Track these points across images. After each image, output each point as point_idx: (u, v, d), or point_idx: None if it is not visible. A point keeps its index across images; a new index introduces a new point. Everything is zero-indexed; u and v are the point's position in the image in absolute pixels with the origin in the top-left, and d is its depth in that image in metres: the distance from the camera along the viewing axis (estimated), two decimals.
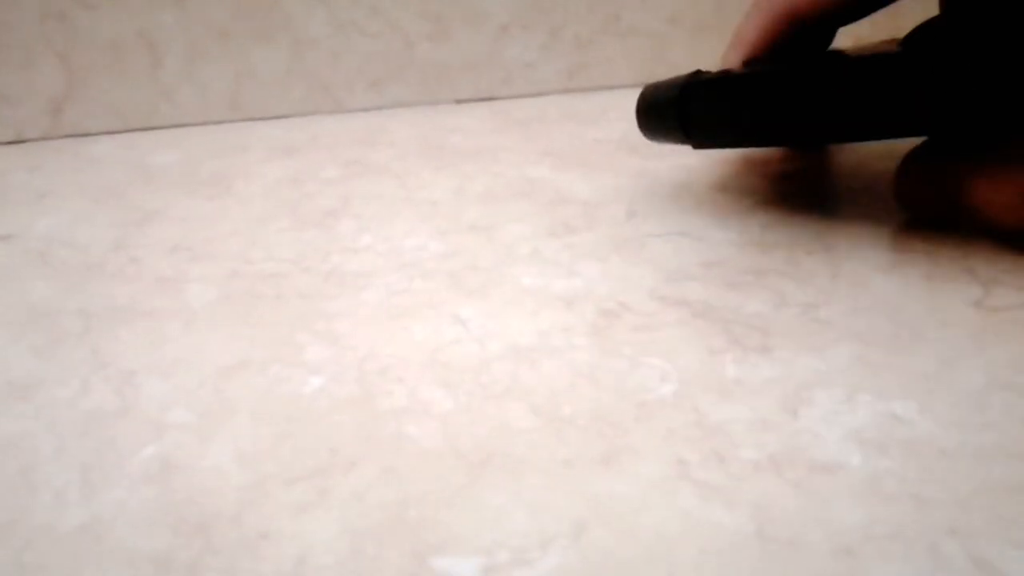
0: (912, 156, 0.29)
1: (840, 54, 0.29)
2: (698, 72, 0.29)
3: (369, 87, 0.48)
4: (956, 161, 0.27)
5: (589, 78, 0.48)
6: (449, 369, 0.24)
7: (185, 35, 0.45)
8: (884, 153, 0.36)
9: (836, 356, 0.24)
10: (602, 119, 0.43)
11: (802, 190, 0.34)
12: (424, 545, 0.18)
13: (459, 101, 0.48)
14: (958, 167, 0.27)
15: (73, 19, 0.44)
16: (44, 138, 0.45)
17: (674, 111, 0.29)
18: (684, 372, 0.23)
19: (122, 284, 0.30)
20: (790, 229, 0.30)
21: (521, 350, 0.25)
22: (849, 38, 0.33)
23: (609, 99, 0.46)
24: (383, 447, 0.21)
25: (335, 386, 0.24)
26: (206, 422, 0.22)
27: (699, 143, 0.29)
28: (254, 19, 0.46)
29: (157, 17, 0.45)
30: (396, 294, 0.28)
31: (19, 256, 0.32)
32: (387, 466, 0.21)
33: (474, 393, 0.23)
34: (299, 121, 0.47)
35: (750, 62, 0.31)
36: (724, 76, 0.28)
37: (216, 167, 0.40)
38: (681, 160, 0.37)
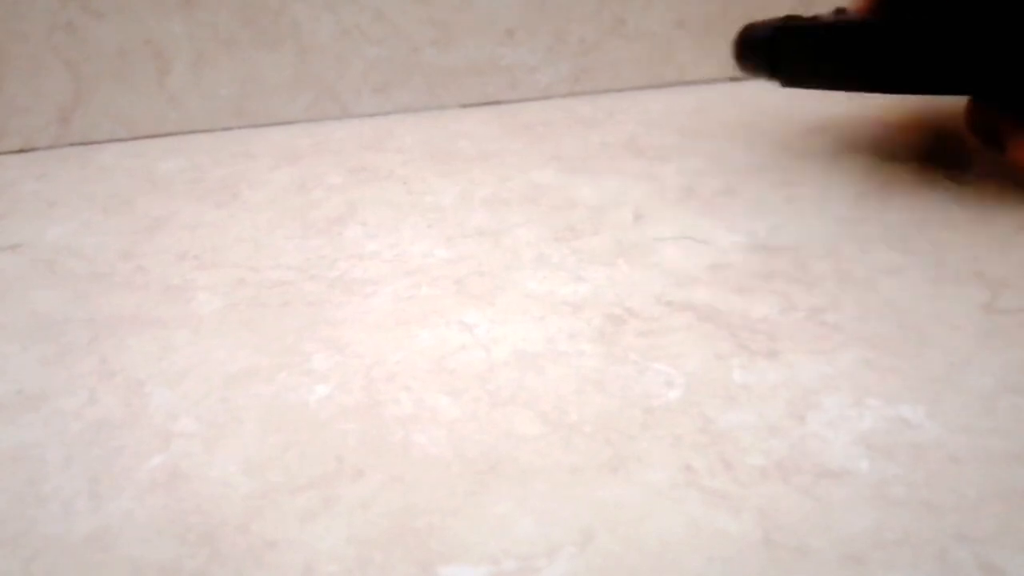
0: (972, 102, 0.30)
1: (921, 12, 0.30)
2: (790, 17, 0.31)
3: (375, 92, 0.48)
4: (1004, 118, 0.29)
5: (594, 81, 0.47)
6: (456, 376, 0.24)
7: (192, 43, 0.46)
8: (891, 157, 0.36)
9: (844, 360, 0.24)
10: (608, 122, 0.43)
11: (809, 194, 0.33)
12: (431, 553, 0.18)
13: (464, 106, 0.48)
14: (1004, 125, 0.29)
15: (81, 29, 0.44)
16: (52, 146, 0.46)
17: (765, 51, 0.31)
18: (691, 377, 0.23)
19: (130, 293, 0.30)
20: (797, 233, 0.30)
21: (527, 356, 0.25)
22: None
23: (615, 102, 0.46)
24: (390, 455, 0.21)
25: (342, 394, 0.24)
26: (213, 431, 0.22)
27: (786, 82, 0.31)
28: (260, 26, 0.46)
29: (164, 26, 0.45)
30: (402, 301, 0.28)
31: (28, 265, 0.32)
32: (394, 474, 0.21)
33: (480, 400, 0.23)
34: (305, 127, 0.47)
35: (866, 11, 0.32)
36: (810, 23, 0.30)
37: (223, 174, 0.40)
38: (687, 163, 0.37)
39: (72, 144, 0.46)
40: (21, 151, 0.45)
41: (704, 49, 0.47)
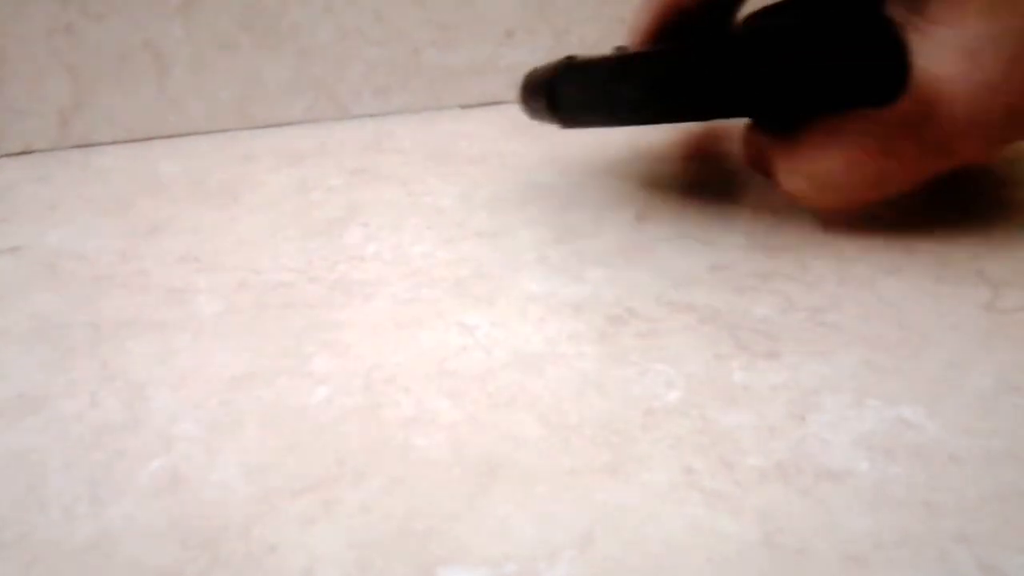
0: (746, 129, 0.30)
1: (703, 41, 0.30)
2: (571, 57, 0.31)
3: (375, 94, 0.48)
4: (768, 143, 0.29)
5: None
6: (456, 378, 0.24)
7: (191, 45, 0.46)
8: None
9: (844, 361, 0.24)
10: None
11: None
12: (431, 557, 0.18)
13: (465, 106, 0.48)
14: (769, 149, 0.29)
15: (80, 31, 0.44)
16: (52, 149, 0.46)
17: (544, 91, 0.30)
18: (691, 378, 0.23)
19: (131, 296, 0.30)
20: (797, 233, 0.30)
21: (528, 358, 0.25)
22: None
23: None
24: (390, 458, 0.21)
25: (342, 396, 0.24)
26: (213, 434, 0.22)
27: (565, 122, 0.30)
28: (260, 28, 0.46)
29: (163, 27, 0.45)
30: (403, 303, 0.28)
31: (28, 268, 0.32)
32: (394, 477, 0.21)
33: (481, 402, 0.23)
34: (306, 129, 0.47)
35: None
36: (588, 62, 0.30)
37: (223, 176, 0.40)
38: (688, 164, 0.37)
39: (72, 147, 0.46)
40: (21, 154, 0.45)
41: None
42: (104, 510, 0.20)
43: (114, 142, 0.46)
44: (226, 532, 0.19)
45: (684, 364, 0.24)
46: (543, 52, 0.47)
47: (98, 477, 0.21)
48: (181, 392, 0.24)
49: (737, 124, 0.32)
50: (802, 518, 0.19)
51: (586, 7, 0.47)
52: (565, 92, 0.30)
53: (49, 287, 0.31)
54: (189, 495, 0.21)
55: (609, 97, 0.28)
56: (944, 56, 0.24)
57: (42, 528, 0.20)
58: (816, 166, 0.27)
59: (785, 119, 0.28)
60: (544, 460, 0.21)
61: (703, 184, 0.35)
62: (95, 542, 0.19)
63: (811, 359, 0.24)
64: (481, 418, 0.22)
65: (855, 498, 0.19)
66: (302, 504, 0.20)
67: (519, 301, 0.28)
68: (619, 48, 0.32)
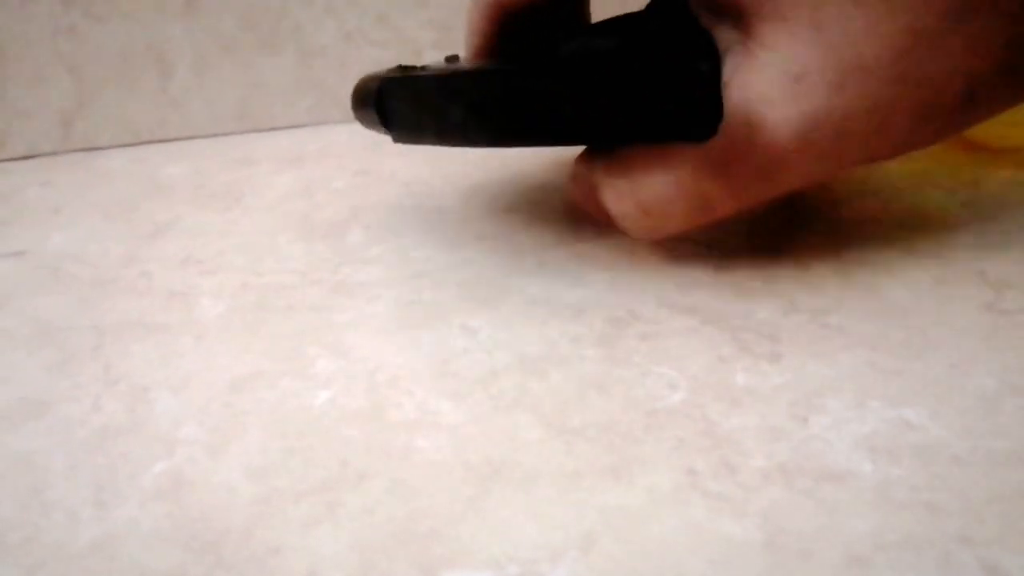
0: (575, 162, 0.29)
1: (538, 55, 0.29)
2: (402, 67, 0.29)
3: None
4: (595, 170, 0.27)
5: None
6: (458, 380, 0.24)
7: (193, 47, 0.46)
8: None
9: (846, 362, 0.24)
10: None
11: (812, 195, 0.33)
12: (434, 559, 0.18)
13: None
14: (595, 176, 0.27)
15: (83, 33, 0.44)
16: (56, 152, 0.46)
17: (374, 103, 0.29)
18: (693, 380, 0.23)
19: (134, 299, 0.30)
20: (800, 234, 0.30)
21: (530, 360, 0.25)
22: None
23: None
24: (392, 460, 0.21)
25: (345, 399, 0.24)
26: (216, 437, 0.23)
27: (397, 137, 0.29)
28: (262, 30, 0.46)
29: (166, 30, 0.45)
30: (405, 305, 0.28)
31: (32, 272, 0.32)
32: (396, 479, 0.21)
33: (483, 404, 0.23)
34: (308, 131, 0.47)
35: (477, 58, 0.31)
36: (410, 75, 0.28)
37: (226, 179, 0.40)
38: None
39: (75, 150, 0.46)
40: (25, 157, 0.45)
41: None
42: (108, 513, 0.20)
43: (117, 145, 0.46)
44: (229, 535, 0.19)
45: (686, 366, 0.24)
46: None
47: (101, 480, 0.21)
48: (184, 395, 0.24)
49: None
50: (805, 520, 0.19)
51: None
52: (394, 106, 0.28)
53: (52, 290, 0.31)
54: (192, 498, 0.21)
55: (436, 116, 0.27)
56: (769, 80, 0.23)
57: (46, 531, 0.20)
58: (643, 189, 0.26)
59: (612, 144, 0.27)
60: (546, 462, 0.21)
61: None
62: (99, 545, 0.19)
63: (813, 361, 0.24)
64: (483, 420, 0.22)
65: (858, 499, 0.19)
66: (305, 506, 0.20)
67: (521, 303, 0.28)
68: (450, 58, 0.30)
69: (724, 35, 0.25)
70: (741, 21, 0.24)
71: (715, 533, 0.19)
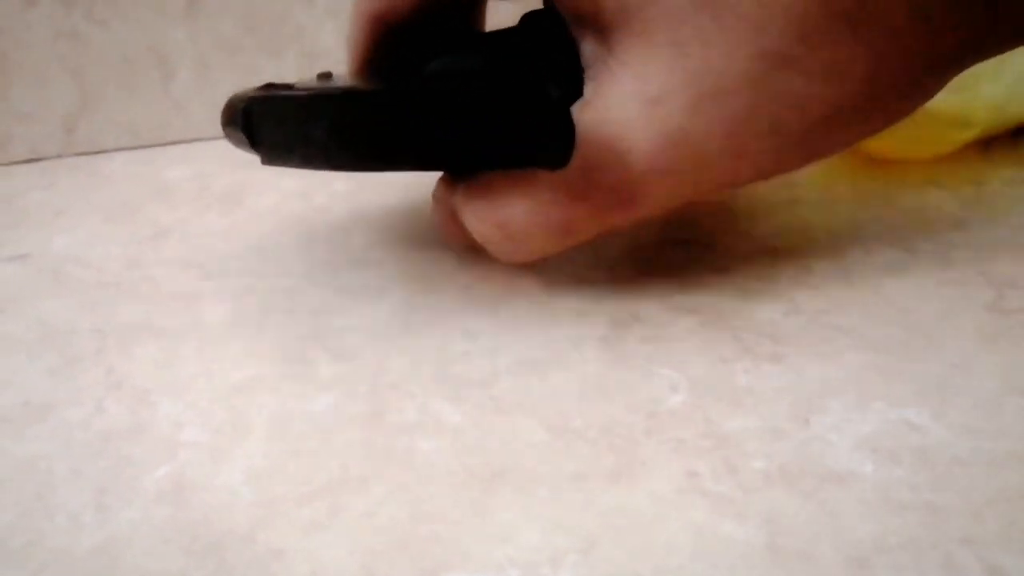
0: (437, 183, 0.28)
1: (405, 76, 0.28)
2: (270, 85, 0.28)
3: None
4: (455, 192, 0.26)
5: None
6: (460, 383, 0.24)
7: (196, 50, 0.46)
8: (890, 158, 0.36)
9: (848, 363, 0.24)
10: None
11: (813, 196, 0.33)
12: (435, 562, 0.18)
13: None
14: (455, 199, 0.26)
15: (85, 36, 0.44)
16: (59, 156, 0.46)
17: (241, 123, 0.28)
18: (695, 382, 0.23)
19: (136, 302, 0.30)
20: (801, 235, 0.30)
21: (531, 362, 0.25)
22: None
23: None
24: (394, 463, 0.21)
25: (346, 402, 0.24)
26: (219, 441, 0.23)
27: (265, 158, 0.28)
28: (264, 32, 0.46)
29: (168, 32, 0.45)
30: (407, 308, 0.28)
31: (34, 275, 0.32)
32: (398, 483, 0.21)
33: (484, 407, 0.23)
34: None
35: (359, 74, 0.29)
36: (276, 94, 0.27)
37: (229, 182, 0.40)
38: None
39: (78, 153, 0.46)
40: (27, 161, 0.45)
41: None
42: (110, 517, 0.20)
43: (119, 148, 0.46)
44: (231, 538, 0.19)
45: (688, 367, 0.24)
46: None
47: (104, 484, 0.21)
48: (186, 398, 0.24)
49: None
50: (806, 521, 0.19)
51: None
52: (261, 126, 0.27)
53: (55, 294, 0.31)
54: (195, 502, 0.21)
55: (300, 138, 0.26)
56: (627, 101, 0.23)
57: (49, 535, 0.20)
58: (504, 213, 0.25)
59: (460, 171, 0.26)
60: (548, 465, 0.21)
61: None
62: (101, 549, 0.19)
63: (815, 361, 0.24)
64: (485, 423, 0.22)
65: (859, 501, 0.19)
66: (307, 510, 0.20)
67: (522, 305, 0.28)
68: (322, 75, 0.29)
69: (589, 50, 0.24)
70: (603, 36, 0.24)
71: (716, 535, 0.19)
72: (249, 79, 0.46)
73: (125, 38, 0.45)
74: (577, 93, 0.24)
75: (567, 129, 0.22)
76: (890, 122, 0.25)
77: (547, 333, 0.26)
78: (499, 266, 0.30)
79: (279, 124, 0.27)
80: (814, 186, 0.34)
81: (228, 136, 0.29)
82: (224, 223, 0.36)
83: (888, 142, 0.33)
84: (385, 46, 0.28)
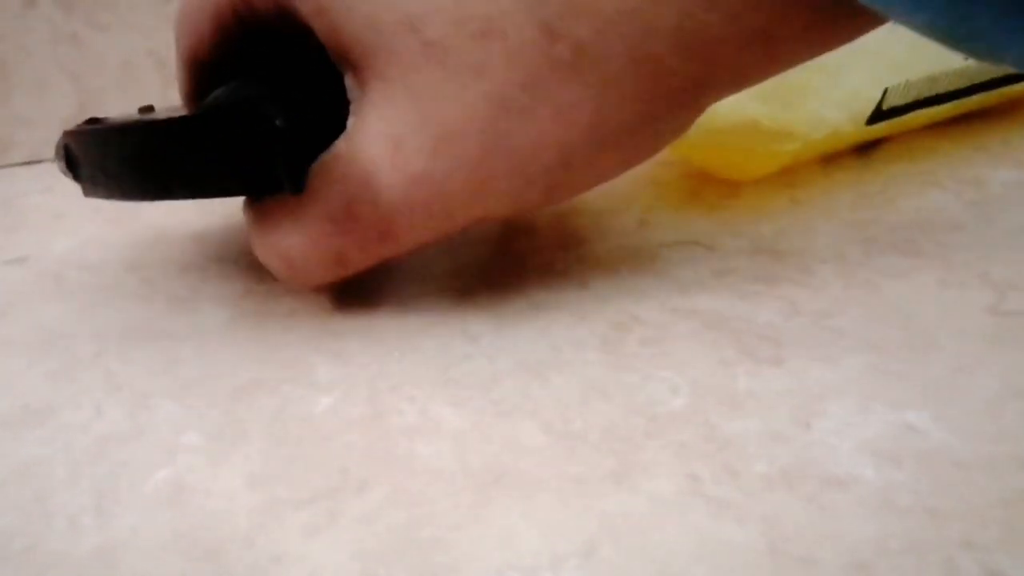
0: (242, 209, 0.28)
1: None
2: (93, 119, 0.29)
3: None
4: (248, 219, 0.27)
5: None
6: (460, 386, 0.24)
7: None
8: (901, 155, 0.36)
9: (849, 366, 0.23)
10: None
11: (814, 198, 0.33)
12: (435, 567, 0.18)
13: None
14: (247, 227, 0.27)
15: (85, 41, 0.44)
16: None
17: (64, 157, 0.29)
18: (696, 385, 0.23)
19: (136, 305, 0.30)
20: (802, 237, 0.30)
21: (531, 365, 0.25)
22: None
23: None
24: (394, 467, 0.21)
25: (346, 405, 0.24)
26: (218, 445, 0.23)
27: (85, 191, 0.29)
28: None
29: (168, 37, 0.45)
30: (406, 310, 0.28)
31: (33, 278, 0.32)
32: (398, 486, 0.21)
33: (484, 410, 0.23)
34: None
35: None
36: (86, 128, 0.28)
37: None
38: (692, 168, 0.37)
39: None
40: (27, 163, 0.45)
41: None
42: (109, 521, 0.20)
43: None
44: (230, 543, 0.19)
45: (688, 370, 0.24)
46: None
47: (103, 488, 0.21)
48: (185, 402, 0.24)
49: None
50: (807, 526, 0.19)
51: None
52: (77, 160, 0.28)
53: (54, 297, 0.31)
54: (194, 506, 0.21)
55: (102, 170, 0.27)
56: (375, 142, 0.23)
57: (47, 540, 0.20)
58: (281, 243, 0.26)
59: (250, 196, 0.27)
60: (548, 468, 0.21)
61: (706, 188, 0.35)
62: (100, 554, 0.19)
63: (816, 364, 0.24)
64: (485, 426, 0.22)
65: (860, 505, 0.19)
66: (306, 514, 0.20)
67: (523, 308, 0.27)
68: (144, 109, 0.30)
69: (350, 85, 0.24)
70: (357, 74, 0.24)
71: (717, 539, 0.18)
72: None
73: (125, 43, 0.45)
74: (336, 125, 0.25)
75: (293, 156, 0.24)
76: (641, 156, 0.26)
77: (547, 336, 0.26)
78: (498, 268, 0.30)
79: (86, 157, 0.28)
80: (815, 187, 0.34)
81: (61, 170, 0.30)
82: (223, 225, 0.36)
83: (713, 157, 0.34)
84: (204, 81, 0.28)
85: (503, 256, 0.31)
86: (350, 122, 0.24)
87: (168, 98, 0.46)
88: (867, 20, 0.21)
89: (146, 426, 0.24)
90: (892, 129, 0.35)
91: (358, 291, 0.29)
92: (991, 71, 0.34)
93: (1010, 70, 0.30)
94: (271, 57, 0.27)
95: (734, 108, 0.28)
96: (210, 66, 0.28)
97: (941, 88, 0.34)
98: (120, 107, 0.46)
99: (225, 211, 0.37)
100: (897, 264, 0.28)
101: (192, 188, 0.26)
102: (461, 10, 0.22)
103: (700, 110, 0.25)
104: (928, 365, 0.23)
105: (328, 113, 0.25)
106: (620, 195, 0.35)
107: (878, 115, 0.33)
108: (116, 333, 0.28)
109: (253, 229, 0.27)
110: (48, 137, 0.45)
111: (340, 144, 0.24)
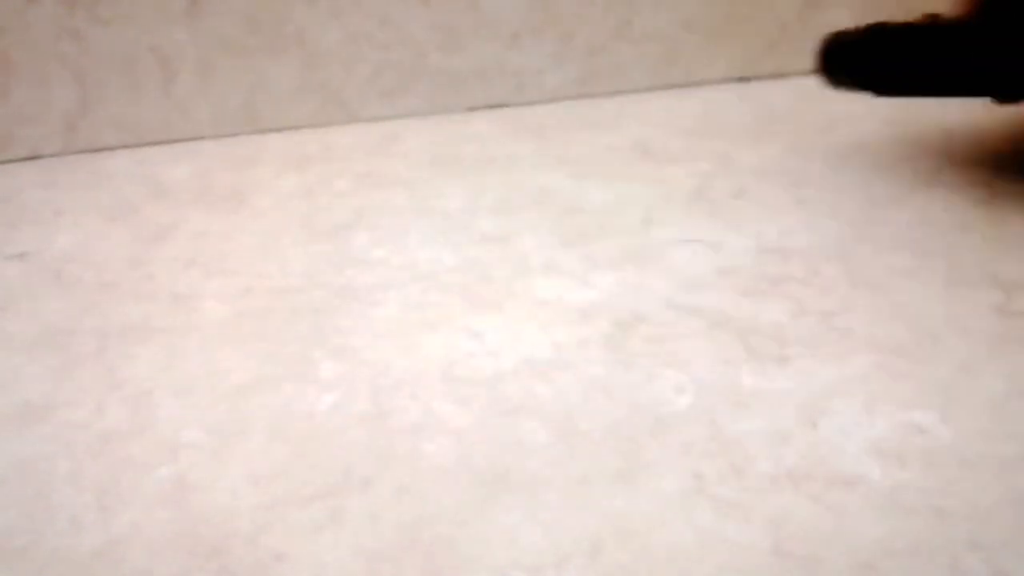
0: None
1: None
2: (879, 24, 0.30)
3: (381, 97, 0.47)
4: None
5: (601, 84, 0.47)
6: (463, 384, 0.24)
7: (197, 50, 0.45)
8: (899, 160, 0.36)
9: (855, 365, 0.23)
10: (615, 125, 0.43)
11: (821, 196, 0.33)
12: (439, 566, 0.18)
13: (471, 109, 0.48)
14: None
15: (87, 36, 0.44)
16: (59, 154, 0.46)
17: (855, 61, 0.30)
18: (700, 384, 0.23)
19: (137, 302, 0.30)
20: (808, 235, 0.30)
21: (535, 364, 0.24)
22: None
23: (622, 105, 0.45)
24: (397, 465, 0.21)
25: (349, 403, 0.23)
26: (221, 442, 0.22)
27: (880, 91, 0.30)
28: (266, 33, 0.46)
29: (169, 33, 0.45)
30: (410, 308, 0.28)
31: (35, 275, 0.32)
32: (401, 484, 0.20)
33: (488, 408, 0.23)
34: (312, 133, 0.47)
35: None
36: (904, 28, 0.29)
37: (230, 181, 0.40)
38: (696, 166, 0.36)
39: (79, 152, 0.46)
40: (28, 159, 0.45)
41: (711, 50, 0.47)
42: (111, 518, 0.20)
43: (120, 147, 0.46)
44: (233, 540, 0.19)
45: (693, 369, 0.24)
46: (549, 55, 0.47)
47: (105, 485, 0.21)
48: (187, 399, 0.24)
49: None
50: (812, 525, 0.18)
51: (591, 10, 0.46)
52: (876, 61, 0.29)
53: (56, 293, 0.31)
54: (196, 503, 0.20)
55: (917, 68, 0.28)
56: None
57: (50, 537, 0.20)
58: None
59: None
60: (552, 467, 0.21)
61: (711, 186, 0.34)
62: (102, 551, 0.19)
63: (822, 364, 0.23)
64: (489, 424, 0.22)
65: (866, 505, 0.19)
66: (310, 512, 0.20)
67: (527, 306, 0.27)
68: (928, 16, 0.31)
69: None
70: None
71: (722, 539, 0.18)
72: (251, 79, 0.46)
73: (127, 38, 0.45)
74: None
75: None
76: None
77: (551, 334, 0.26)
78: (502, 267, 0.30)
79: (895, 56, 0.29)
80: (822, 186, 0.34)
81: (827, 76, 0.32)
82: (225, 222, 0.36)
83: None
84: None
85: (506, 254, 0.31)
86: None
87: (170, 93, 0.45)
88: None
89: (147, 423, 0.23)
90: None
91: (358, 291, 0.29)
92: None
93: None
94: None
95: None
96: None
97: None
98: (120, 105, 0.45)
99: (225, 208, 0.37)
100: (904, 264, 0.28)
101: (956, 88, 0.28)
102: None
103: None
104: (935, 365, 0.23)
105: None
106: (625, 193, 0.35)
107: None
108: (118, 329, 0.28)
109: None
110: (50, 132, 0.45)
111: None
